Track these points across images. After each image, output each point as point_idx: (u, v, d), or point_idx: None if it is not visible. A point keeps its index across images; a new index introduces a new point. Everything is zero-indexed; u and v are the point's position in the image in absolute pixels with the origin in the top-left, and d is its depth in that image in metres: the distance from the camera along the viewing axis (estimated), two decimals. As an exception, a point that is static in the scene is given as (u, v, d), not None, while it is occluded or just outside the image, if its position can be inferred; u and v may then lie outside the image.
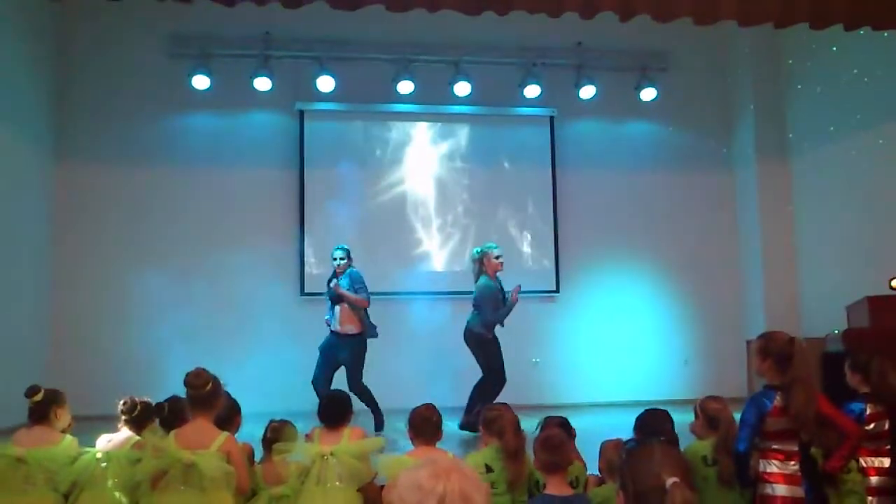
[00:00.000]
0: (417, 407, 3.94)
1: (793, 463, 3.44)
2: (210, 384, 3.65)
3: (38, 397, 4.01)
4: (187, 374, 3.64)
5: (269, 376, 8.06)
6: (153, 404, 4.14)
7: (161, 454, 3.55)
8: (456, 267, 8.89)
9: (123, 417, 4.09)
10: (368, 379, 6.82)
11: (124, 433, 4.06)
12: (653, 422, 3.74)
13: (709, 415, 3.83)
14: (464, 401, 6.67)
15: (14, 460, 3.84)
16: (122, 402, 4.11)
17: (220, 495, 3.50)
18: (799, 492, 3.40)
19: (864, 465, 4.01)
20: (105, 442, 4.01)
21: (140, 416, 4.07)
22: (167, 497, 3.50)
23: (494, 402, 6.38)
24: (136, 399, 4.12)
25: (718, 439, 3.70)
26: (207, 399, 3.65)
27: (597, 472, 4.03)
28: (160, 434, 3.88)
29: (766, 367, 3.55)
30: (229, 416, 4.14)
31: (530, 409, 6.79)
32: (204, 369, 3.69)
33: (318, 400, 4.19)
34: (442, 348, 7.96)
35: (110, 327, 8.22)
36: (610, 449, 3.84)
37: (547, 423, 4.06)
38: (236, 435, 4.24)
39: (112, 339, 8.15)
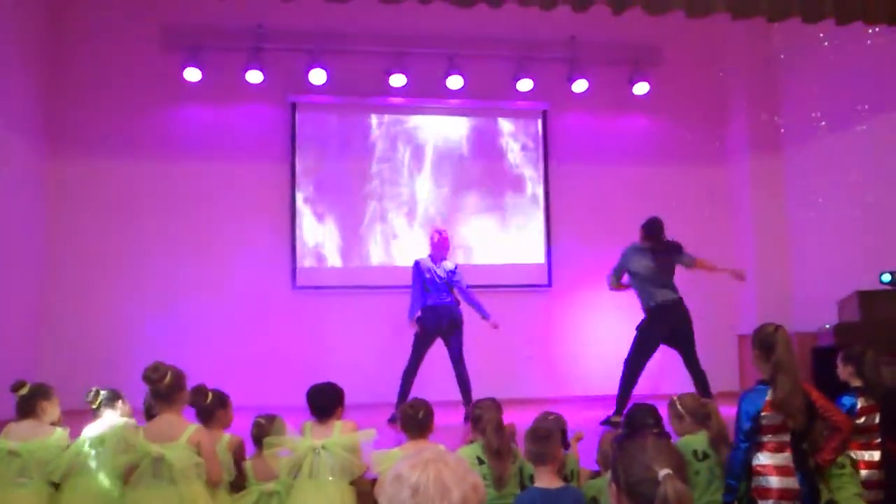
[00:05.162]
0: (404, 404, 3.96)
1: (785, 454, 3.46)
2: (168, 377, 3.64)
3: (24, 391, 4.00)
4: (145, 369, 3.64)
5: (262, 370, 8.06)
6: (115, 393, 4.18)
7: (130, 448, 3.55)
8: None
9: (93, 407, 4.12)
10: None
11: (108, 420, 4.05)
12: (638, 416, 3.77)
13: (694, 413, 3.85)
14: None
15: (7, 454, 3.83)
16: (88, 394, 4.14)
17: (191, 487, 3.50)
18: (793, 483, 3.43)
19: (854, 458, 4.03)
20: (91, 430, 4.01)
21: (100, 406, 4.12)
22: (139, 492, 3.50)
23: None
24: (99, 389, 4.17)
25: (712, 433, 3.72)
26: (168, 392, 3.64)
27: (591, 464, 4.06)
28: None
29: (755, 357, 3.62)
30: (214, 410, 4.13)
31: (523, 403, 6.83)
32: (161, 362, 3.69)
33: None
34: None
35: (101, 321, 8.16)
36: (607, 441, 3.87)
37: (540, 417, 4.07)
38: (228, 429, 4.25)
39: (104, 332, 8.09)
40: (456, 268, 7.10)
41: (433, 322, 6.86)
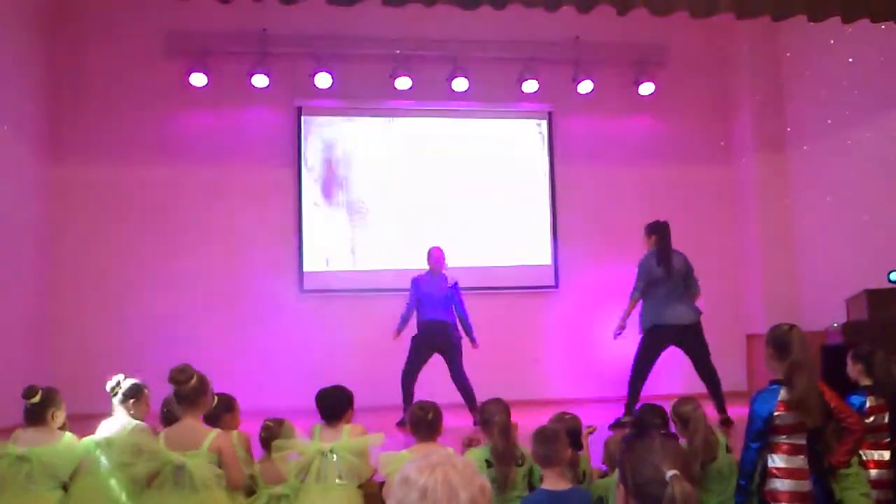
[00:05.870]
0: (413, 405, 3.94)
1: (800, 457, 3.44)
2: (194, 379, 3.62)
3: (36, 399, 3.97)
4: (171, 370, 3.60)
5: (270, 373, 8.08)
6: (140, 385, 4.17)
7: (152, 456, 3.52)
8: (453, 263, 8.85)
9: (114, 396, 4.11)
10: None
11: (121, 418, 4.05)
12: (646, 416, 3.77)
13: (681, 418, 3.84)
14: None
15: (15, 459, 3.83)
16: (112, 383, 4.13)
17: (213, 494, 3.49)
18: (806, 486, 3.41)
19: (864, 457, 4.02)
20: (105, 428, 4.01)
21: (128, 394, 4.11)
22: (160, 497, 3.49)
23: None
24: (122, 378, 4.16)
25: (688, 437, 3.70)
26: (194, 395, 3.61)
27: (600, 465, 4.06)
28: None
29: (769, 356, 3.60)
30: (220, 414, 4.12)
31: (531, 405, 6.81)
32: (188, 365, 3.65)
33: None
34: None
35: (107, 325, 8.20)
36: (614, 442, 3.86)
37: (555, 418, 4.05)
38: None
39: (109, 337, 8.11)
40: (456, 284, 7.10)
41: (427, 337, 6.93)
